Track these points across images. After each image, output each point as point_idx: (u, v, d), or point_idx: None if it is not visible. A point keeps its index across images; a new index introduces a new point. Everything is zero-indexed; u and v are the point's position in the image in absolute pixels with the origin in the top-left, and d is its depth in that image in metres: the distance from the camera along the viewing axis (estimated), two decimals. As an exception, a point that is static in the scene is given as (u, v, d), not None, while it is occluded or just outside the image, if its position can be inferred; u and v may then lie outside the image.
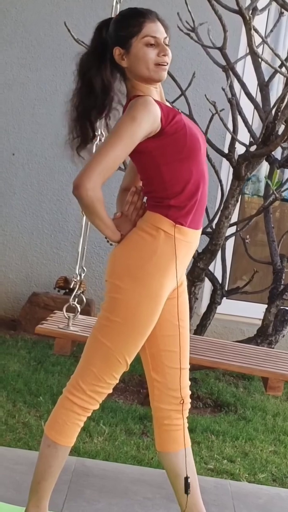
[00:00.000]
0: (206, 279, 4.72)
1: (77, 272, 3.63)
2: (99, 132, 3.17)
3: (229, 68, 4.48)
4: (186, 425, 2.84)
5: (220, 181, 4.62)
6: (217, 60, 4.52)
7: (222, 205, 4.50)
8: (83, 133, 2.69)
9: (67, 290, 5.54)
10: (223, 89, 4.37)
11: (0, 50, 5.78)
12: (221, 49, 4.46)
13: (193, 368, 2.99)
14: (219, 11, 4.32)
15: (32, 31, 5.76)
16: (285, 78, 4.36)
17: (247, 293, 4.81)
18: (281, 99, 4.04)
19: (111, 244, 2.72)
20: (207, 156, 3.90)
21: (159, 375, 2.79)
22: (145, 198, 2.72)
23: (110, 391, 2.74)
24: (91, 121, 2.69)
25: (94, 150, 2.84)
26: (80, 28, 4.82)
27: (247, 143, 4.39)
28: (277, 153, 4.77)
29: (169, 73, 2.72)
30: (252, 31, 3.93)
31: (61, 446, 2.73)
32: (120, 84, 2.68)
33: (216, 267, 5.19)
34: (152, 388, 2.82)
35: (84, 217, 3.52)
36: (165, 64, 2.61)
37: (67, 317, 3.56)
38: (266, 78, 4.51)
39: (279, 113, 4.09)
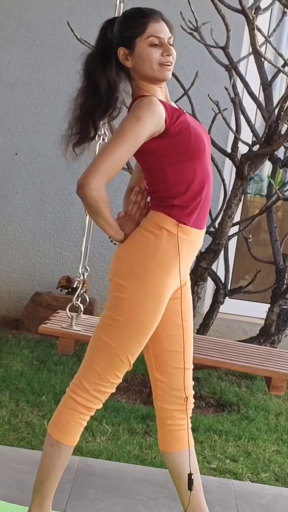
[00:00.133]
0: (209, 279, 4.72)
1: (80, 272, 3.64)
2: (102, 132, 3.18)
3: (232, 68, 4.48)
4: (190, 425, 2.84)
5: (223, 180, 4.61)
6: (220, 60, 4.52)
7: (225, 205, 4.50)
8: (83, 131, 2.69)
9: (69, 290, 5.54)
10: (226, 89, 4.37)
11: (3, 49, 5.78)
12: (224, 49, 4.46)
13: (196, 367, 2.99)
14: (222, 11, 4.31)
15: (35, 31, 5.76)
16: (288, 78, 4.36)
17: (250, 292, 4.81)
18: (284, 98, 4.03)
19: (114, 244, 2.72)
20: (210, 155, 3.90)
21: (162, 375, 2.79)
22: (149, 197, 2.72)
23: (114, 390, 2.75)
24: (94, 120, 2.68)
25: (97, 151, 2.84)
26: (83, 28, 4.83)
27: (250, 143, 4.39)
28: (280, 153, 4.76)
29: (171, 73, 2.71)
30: (255, 31, 3.93)
31: (64, 446, 2.74)
32: (125, 84, 2.68)
33: (218, 267, 5.19)
34: (156, 388, 2.82)
35: (88, 216, 3.52)
36: (169, 64, 2.61)
37: (70, 316, 3.57)
38: (269, 78, 4.50)
39: (282, 113, 4.08)
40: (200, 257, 4.48)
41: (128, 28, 2.61)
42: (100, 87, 2.63)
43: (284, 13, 4.62)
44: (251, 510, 3.37)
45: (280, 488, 3.69)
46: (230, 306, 5.37)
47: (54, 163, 5.78)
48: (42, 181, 5.85)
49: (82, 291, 3.59)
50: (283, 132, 4.16)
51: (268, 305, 4.70)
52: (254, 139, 4.46)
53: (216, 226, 4.54)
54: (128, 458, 3.74)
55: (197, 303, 4.51)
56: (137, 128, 2.52)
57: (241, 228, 4.82)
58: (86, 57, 2.68)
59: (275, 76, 4.51)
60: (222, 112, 4.26)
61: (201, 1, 4.37)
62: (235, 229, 4.72)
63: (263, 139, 4.27)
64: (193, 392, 2.84)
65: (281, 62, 4.29)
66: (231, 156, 4.41)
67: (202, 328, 4.75)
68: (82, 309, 3.58)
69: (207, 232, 4.20)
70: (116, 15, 3.17)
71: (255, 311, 5.41)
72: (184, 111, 2.69)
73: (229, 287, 4.82)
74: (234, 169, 4.50)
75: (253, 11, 4.15)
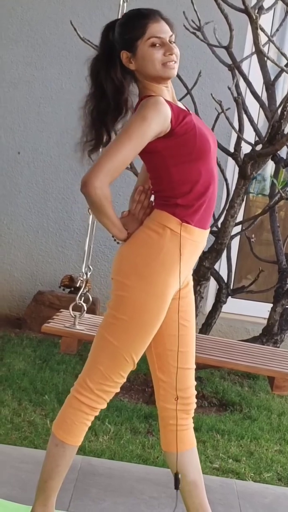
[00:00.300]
0: (212, 278, 4.72)
1: (83, 271, 3.64)
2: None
3: (235, 67, 4.48)
4: (192, 425, 2.84)
5: (225, 180, 4.61)
6: (223, 59, 4.52)
7: (228, 204, 4.50)
8: (97, 137, 2.68)
9: (72, 289, 5.54)
10: (229, 88, 4.37)
11: (6, 48, 5.78)
12: (227, 48, 4.46)
13: (198, 367, 2.99)
14: (225, 10, 4.31)
15: (38, 30, 5.77)
16: (291, 77, 4.36)
17: (253, 292, 4.81)
18: (287, 98, 4.04)
19: (117, 243, 2.72)
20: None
21: (165, 375, 2.79)
22: (153, 196, 2.72)
23: (118, 390, 2.74)
24: (106, 124, 2.67)
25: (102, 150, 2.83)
26: (85, 27, 4.83)
27: (253, 142, 4.39)
28: (283, 152, 4.76)
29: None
30: (258, 30, 3.93)
31: (69, 446, 2.74)
32: (133, 86, 2.67)
33: (221, 266, 5.19)
34: (158, 388, 2.82)
35: (91, 216, 3.52)
36: (173, 62, 2.60)
37: (73, 316, 3.57)
38: (272, 77, 4.50)
39: (285, 112, 4.08)
40: (203, 256, 4.48)
41: (128, 31, 2.61)
42: (107, 91, 2.63)
43: (287, 12, 4.62)
44: (253, 510, 3.37)
45: (282, 488, 3.69)
46: (233, 306, 5.37)
47: (56, 162, 5.79)
48: (44, 180, 5.85)
49: (85, 290, 3.59)
50: (286, 131, 4.16)
51: (271, 305, 4.70)
52: (257, 138, 4.46)
53: (219, 225, 4.54)
54: (130, 457, 3.74)
55: (199, 303, 4.50)
56: (143, 127, 2.52)
57: (243, 228, 4.82)
58: (91, 62, 2.68)
59: (278, 76, 4.51)
60: (225, 112, 4.26)
61: (204, 1, 4.37)
62: (237, 228, 4.72)
63: (266, 139, 4.27)
64: (195, 392, 2.84)
65: (284, 61, 4.29)
66: (234, 155, 4.41)
67: (205, 328, 4.75)
68: (85, 308, 3.58)
69: (210, 232, 4.19)
70: (119, 15, 3.17)
71: (257, 311, 5.41)
72: (190, 111, 2.69)
73: (231, 287, 4.82)
74: (237, 168, 4.50)
75: (256, 11, 4.14)
